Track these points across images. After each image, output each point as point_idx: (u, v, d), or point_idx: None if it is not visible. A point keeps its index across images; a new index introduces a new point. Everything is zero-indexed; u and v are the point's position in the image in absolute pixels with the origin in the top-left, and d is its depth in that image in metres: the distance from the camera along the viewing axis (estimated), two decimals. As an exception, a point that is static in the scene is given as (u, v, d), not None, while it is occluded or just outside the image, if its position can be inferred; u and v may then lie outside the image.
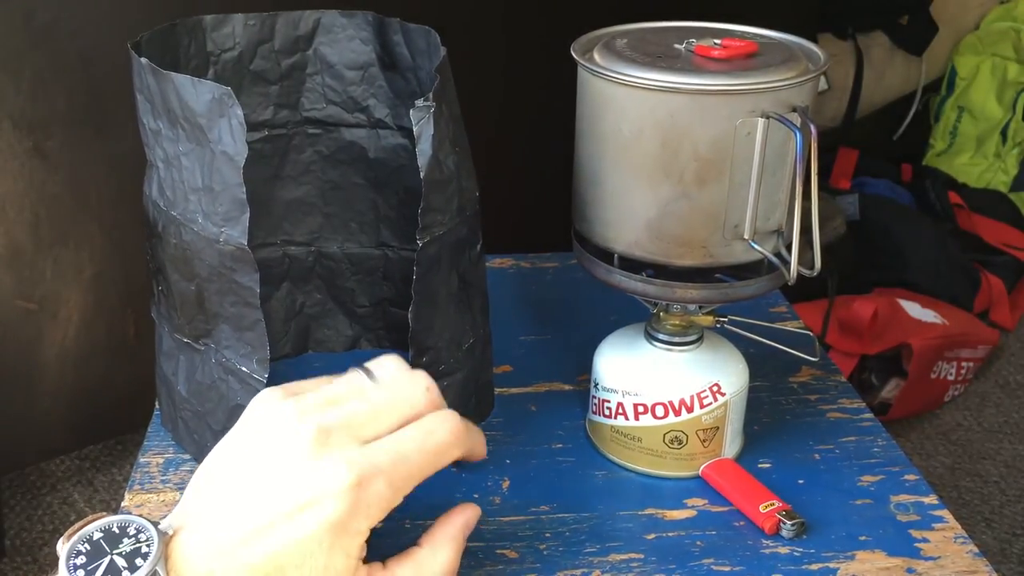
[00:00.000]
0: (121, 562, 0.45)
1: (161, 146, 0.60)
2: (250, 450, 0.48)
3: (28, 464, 1.62)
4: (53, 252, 1.45)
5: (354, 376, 0.51)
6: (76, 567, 0.45)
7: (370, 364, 0.51)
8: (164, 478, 0.65)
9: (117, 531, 0.46)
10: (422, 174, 0.56)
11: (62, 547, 0.46)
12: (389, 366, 0.51)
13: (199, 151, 0.57)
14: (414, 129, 0.56)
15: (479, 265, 0.65)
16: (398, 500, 0.48)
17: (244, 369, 0.60)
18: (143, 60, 0.58)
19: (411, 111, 0.56)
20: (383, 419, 0.49)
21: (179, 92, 0.56)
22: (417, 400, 0.50)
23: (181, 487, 0.64)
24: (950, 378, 1.91)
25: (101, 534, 0.46)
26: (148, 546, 0.45)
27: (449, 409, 0.50)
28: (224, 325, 0.60)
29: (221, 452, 0.50)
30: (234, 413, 0.61)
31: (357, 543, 0.47)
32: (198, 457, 0.66)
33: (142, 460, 0.67)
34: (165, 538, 0.46)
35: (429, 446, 0.49)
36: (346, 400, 0.49)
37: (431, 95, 0.56)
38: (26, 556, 1.49)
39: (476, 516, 0.53)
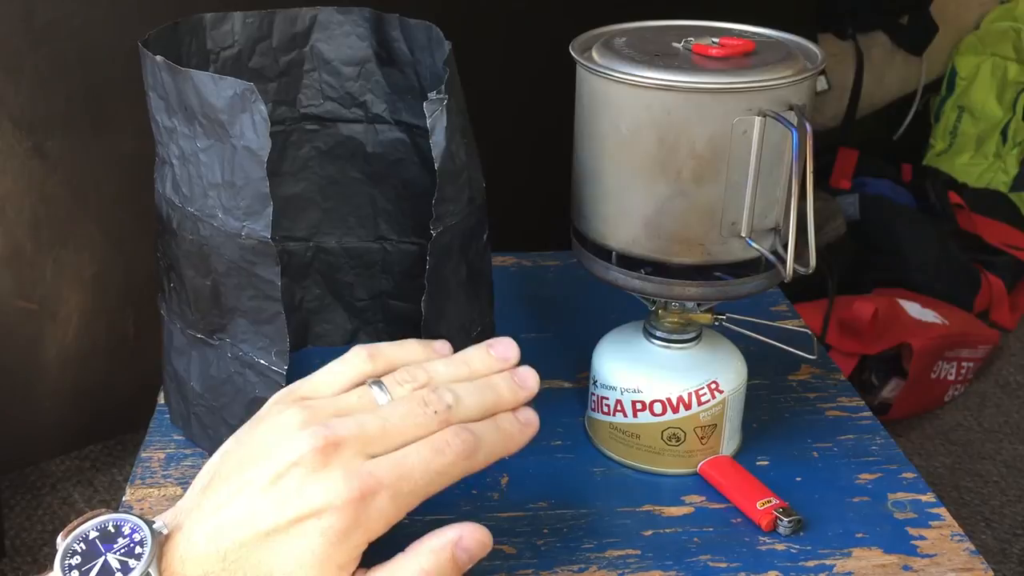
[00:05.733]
0: (115, 563, 0.45)
1: (176, 143, 0.60)
2: (255, 453, 0.48)
3: (28, 464, 1.63)
4: (53, 252, 1.45)
5: (368, 390, 0.50)
6: (71, 567, 0.45)
7: (386, 379, 0.51)
8: (165, 473, 0.65)
9: (112, 530, 0.46)
10: (436, 165, 0.57)
11: (60, 544, 0.46)
12: (405, 384, 0.50)
13: (219, 147, 0.57)
14: (427, 121, 0.57)
15: (486, 254, 0.66)
16: (400, 516, 0.47)
17: (262, 362, 0.61)
18: (159, 58, 0.58)
19: (424, 104, 0.57)
20: (392, 438, 0.48)
21: (198, 89, 0.56)
22: (428, 423, 0.49)
23: (182, 482, 0.64)
24: (950, 378, 1.91)
25: (97, 533, 0.46)
26: (142, 547, 0.45)
27: (460, 426, 0.49)
28: (240, 319, 0.61)
29: (226, 452, 0.50)
30: (252, 406, 0.62)
31: (352, 556, 0.46)
32: (212, 452, 0.66)
33: (143, 455, 0.67)
34: (160, 538, 0.46)
35: (435, 465, 0.48)
36: (357, 412, 0.49)
37: (443, 87, 0.57)
38: (26, 556, 1.49)
39: (475, 537, 0.48)
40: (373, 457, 0.47)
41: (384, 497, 0.46)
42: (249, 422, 0.51)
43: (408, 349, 0.53)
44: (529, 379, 0.52)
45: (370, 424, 0.48)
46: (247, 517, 0.46)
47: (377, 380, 0.51)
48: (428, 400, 0.49)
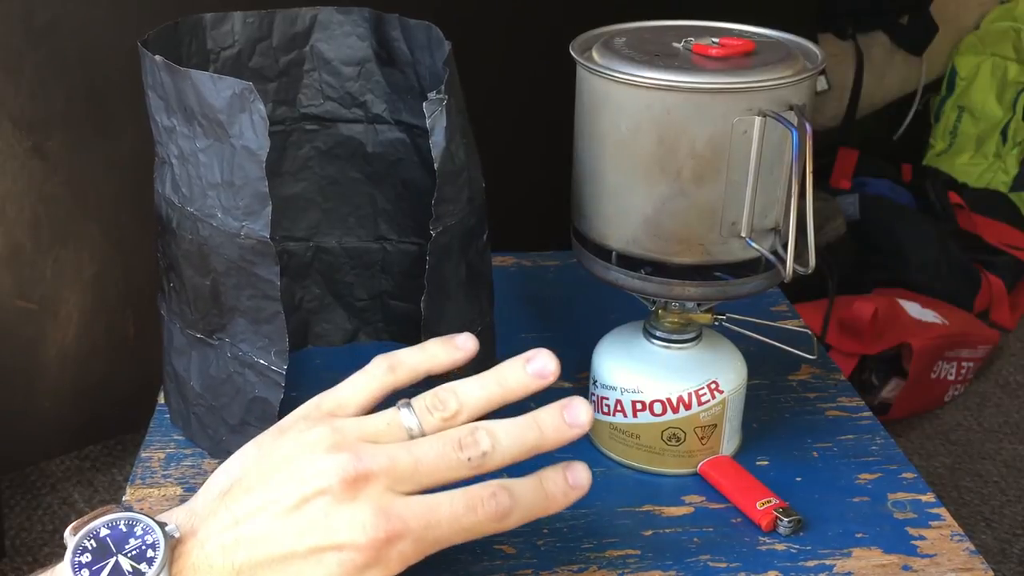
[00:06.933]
0: (127, 566, 0.44)
1: (176, 143, 0.60)
2: (280, 469, 0.47)
3: (28, 464, 1.62)
4: (53, 252, 1.45)
5: (397, 415, 0.49)
6: (81, 565, 0.44)
7: (415, 403, 0.49)
8: (165, 473, 0.65)
9: (124, 529, 0.46)
10: (436, 165, 0.57)
11: (69, 539, 0.45)
12: (435, 412, 0.49)
13: (218, 147, 0.57)
14: (427, 121, 0.57)
15: (486, 254, 0.66)
16: (419, 559, 0.46)
17: (262, 362, 0.60)
18: (158, 58, 0.58)
19: (424, 104, 0.57)
20: (423, 478, 0.47)
21: (197, 89, 0.56)
22: (460, 468, 0.47)
23: (182, 482, 0.64)
24: (950, 378, 1.91)
25: (108, 531, 0.46)
26: (154, 550, 0.45)
27: (500, 485, 0.47)
28: (240, 319, 0.61)
29: (248, 460, 0.49)
30: (251, 406, 0.62)
31: None
32: (212, 452, 0.66)
33: (143, 455, 0.67)
34: (172, 542, 0.45)
35: (464, 522, 0.46)
36: (387, 441, 0.48)
37: (443, 87, 0.57)
38: (26, 556, 1.49)
39: None
40: (402, 492, 0.46)
41: (408, 542, 0.45)
42: (272, 431, 0.50)
43: (429, 351, 0.52)
44: (581, 414, 0.48)
45: (402, 460, 0.46)
46: (266, 538, 0.45)
47: (406, 402, 0.49)
48: (465, 444, 0.47)
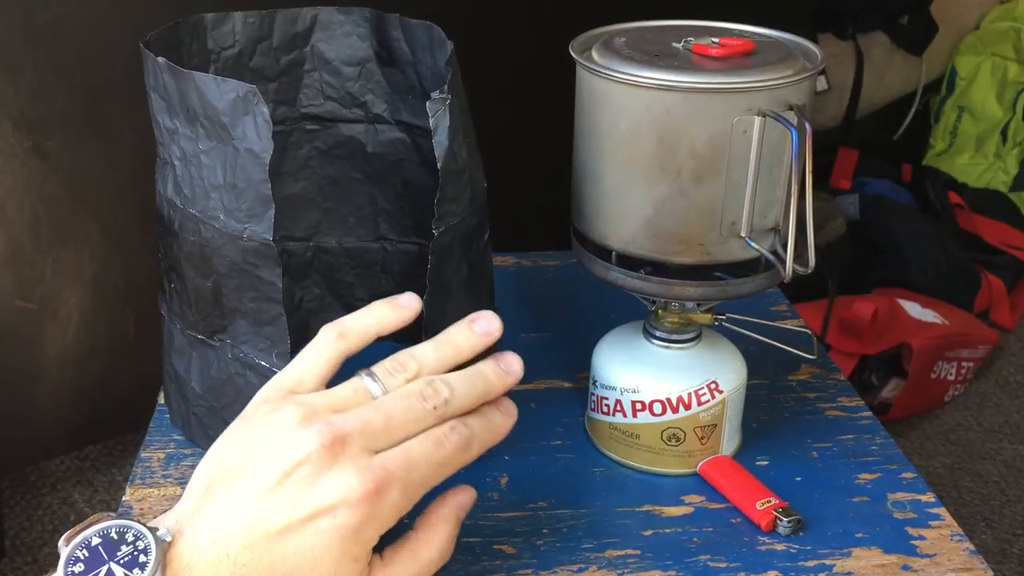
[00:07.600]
0: (119, 573, 0.44)
1: (178, 144, 0.60)
2: (255, 454, 0.47)
3: (28, 464, 1.63)
4: (53, 252, 1.46)
5: (362, 383, 0.50)
6: (74, 575, 0.45)
7: (377, 369, 0.51)
8: (165, 473, 0.65)
9: (116, 537, 0.46)
10: (439, 165, 0.57)
11: (62, 549, 0.45)
12: (397, 375, 0.51)
13: (221, 149, 0.57)
14: (430, 121, 0.57)
15: (487, 254, 0.66)
16: (409, 507, 0.48)
17: (263, 363, 0.61)
18: (161, 59, 0.58)
19: (427, 103, 0.57)
20: (395, 433, 0.48)
21: (200, 91, 0.56)
22: (426, 418, 0.49)
23: (182, 482, 0.64)
24: (950, 378, 1.91)
25: (100, 540, 0.46)
26: (146, 555, 0.45)
27: (456, 420, 0.50)
28: (241, 320, 0.61)
29: (220, 453, 0.49)
30: None
31: (367, 549, 0.47)
32: None
33: (143, 455, 0.67)
34: (164, 546, 0.45)
35: (437, 457, 0.49)
36: (354, 406, 0.49)
37: (446, 87, 0.57)
38: (26, 556, 1.49)
39: (470, 498, 0.53)
40: (376, 451, 0.48)
41: (396, 490, 0.47)
42: (238, 421, 0.50)
43: (375, 314, 0.53)
44: (514, 364, 0.53)
45: (373, 419, 0.48)
46: (256, 519, 0.45)
47: (370, 372, 0.51)
48: (426, 395, 0.50)
